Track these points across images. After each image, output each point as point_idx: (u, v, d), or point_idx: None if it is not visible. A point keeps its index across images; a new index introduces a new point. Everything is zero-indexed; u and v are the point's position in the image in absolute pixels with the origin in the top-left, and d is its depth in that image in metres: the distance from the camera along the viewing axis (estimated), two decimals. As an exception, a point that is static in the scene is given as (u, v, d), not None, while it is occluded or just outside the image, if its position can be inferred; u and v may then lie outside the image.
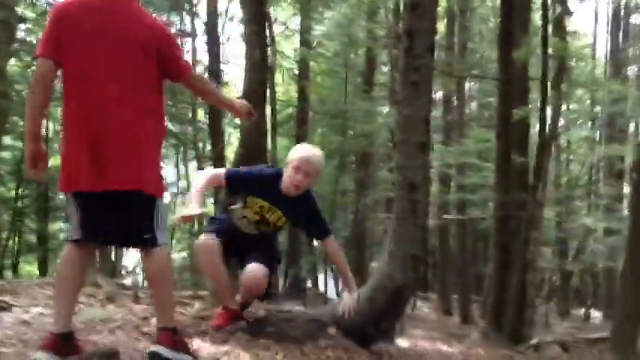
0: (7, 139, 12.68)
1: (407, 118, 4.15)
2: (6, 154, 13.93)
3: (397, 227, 3.95)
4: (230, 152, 17.45)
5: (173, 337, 2.61)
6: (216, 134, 14.04)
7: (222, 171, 3.42)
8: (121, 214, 2.51)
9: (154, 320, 3.25)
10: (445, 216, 12.55)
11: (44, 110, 2.48)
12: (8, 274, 14.28)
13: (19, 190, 15.02)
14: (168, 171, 20.19)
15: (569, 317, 16.52)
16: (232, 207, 3.51)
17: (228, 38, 15.94)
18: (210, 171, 3.45)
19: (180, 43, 2.81)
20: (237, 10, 15.05)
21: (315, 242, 3.77)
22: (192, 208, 2.99)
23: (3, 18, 8.11)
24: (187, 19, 14.80)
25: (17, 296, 4.01)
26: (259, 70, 5.95)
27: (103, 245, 2.75)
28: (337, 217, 15.28)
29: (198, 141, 15.00)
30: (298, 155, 3.28)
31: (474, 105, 19.41)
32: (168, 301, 2.65)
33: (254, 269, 3.34)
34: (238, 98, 3.39)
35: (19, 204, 15.14)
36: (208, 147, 15.66)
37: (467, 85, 16.93)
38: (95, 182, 2.44)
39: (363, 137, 14.04)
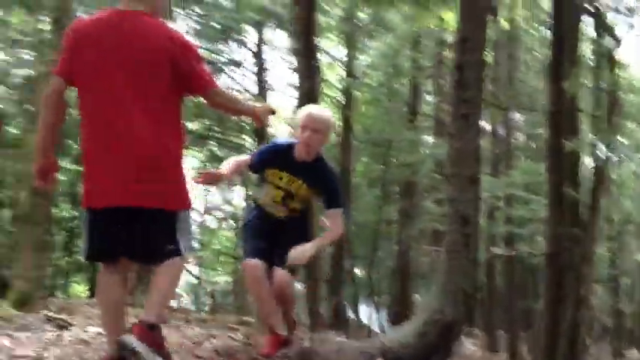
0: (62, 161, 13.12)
1: (458, 151, 4.15)
2: (60, 176, 14.41)
3: (448, 261, 3.92)
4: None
5: (152, 334, 2.40)
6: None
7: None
8: (140, 230, 2.46)
9: (207, 344, 3.29)
10: (494, 250, 12.31)
11: (56, 126, 2.48)
12: (59, 293, 14.65)
13: (73, 211, 15.48)
14: (213, 195, 20.54)
15: (623, 359, 15.87)
16: (258, 197, 3.57)
17: (274, 67, 16.25)
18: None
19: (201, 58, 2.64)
20: (282, 39, 15.35)
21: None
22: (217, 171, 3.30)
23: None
24: (236, 48, 15.14)
25: (73, 315, 4.13)
26: (309, 100, 6.04)
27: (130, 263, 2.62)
28: (380, 247, 15.19)
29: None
30: (303, 115, 3.29)
31: (520, 136, 19.13)
32: (163, 299, 2.53)
33: (279, 277, 3.35)
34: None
35: (72, 224, 15.59)
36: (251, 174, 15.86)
37: (513, 116, 16.72)
38: (113, 198, 2.41)
39: (407, 167, 13.99)
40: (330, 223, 3.36)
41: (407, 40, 13.43)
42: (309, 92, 6.08)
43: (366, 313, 15.86)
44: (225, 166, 3.40)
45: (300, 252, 3.19)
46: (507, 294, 13.94)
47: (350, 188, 15.02)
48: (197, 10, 14.00)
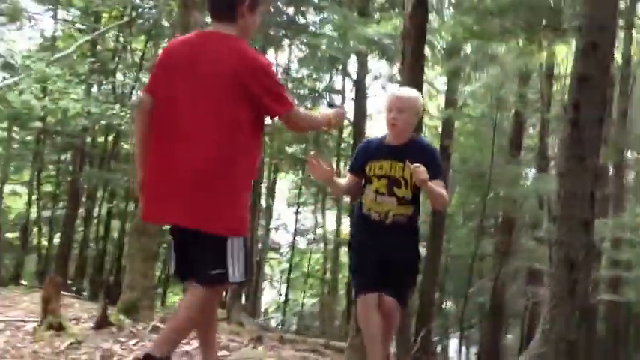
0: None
1: (569, 193, 4.01)
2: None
3: (552, 307, 3.78)
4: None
5: None
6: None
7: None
8: (194, 250, 2.45)
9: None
10: (599, 295, 11.63)
11: (146, 141, 2.51)
12: (157, 304, 15.36)
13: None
14: (305, 217, 20.86)
15: None
16: (362, 196, 3.30)
17: (374, 95, 16.41)
18: None
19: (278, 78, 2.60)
20: (383, 68, 15.46)
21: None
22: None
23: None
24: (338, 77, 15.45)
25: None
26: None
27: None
28: (473, 283, 14.76)
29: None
30: (387, 96, 3.26)
31: (631, 176, 18.04)
32: (174, 334, 2.43)
33: (387, 305, 3.16)
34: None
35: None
36: (347, 198, 16.02)
37: (625, 155, 15.83)
38: (159, 215, 2.45)
39: (507, 201, 13.57)
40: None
41: (513, 73, 13.13)
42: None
43: (455, 348, 15.41)
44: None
45: (423, 171, 2.95)
46: (611, 341, 13.08)
47: (444, 219, 14.78)
48: (303, 39, 14.52)
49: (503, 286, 13.61)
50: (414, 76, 6.23)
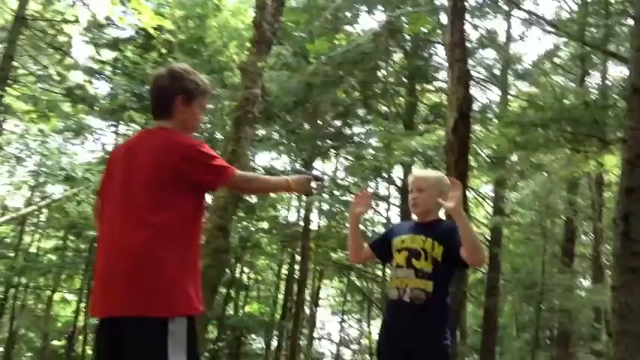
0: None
1: (625, 306, 3.88)
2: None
3: None
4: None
5: None
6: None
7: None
8: (127, 345, 2.25)
9: None
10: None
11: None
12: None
13: (218, 334, 16.16)
14: (350, 326, 20.36)
15: None
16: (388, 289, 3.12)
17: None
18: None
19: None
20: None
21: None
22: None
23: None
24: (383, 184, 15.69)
25: None
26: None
27: None
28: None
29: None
30: (408, 179, 3.21)
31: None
32: None
33: None
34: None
35: (215, 346, 16.20)
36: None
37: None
38: (100, 308, 2.34)
39: (561, 313, 13.00)
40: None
41: (561, 181, 13.08)
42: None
43: None
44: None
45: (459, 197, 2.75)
46: None
47: (496, 329, 14.18)
48: (349, 149, 14.98)
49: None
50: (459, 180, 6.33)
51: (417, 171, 3.38)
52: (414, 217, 3.11)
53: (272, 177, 2.70)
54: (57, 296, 15.29)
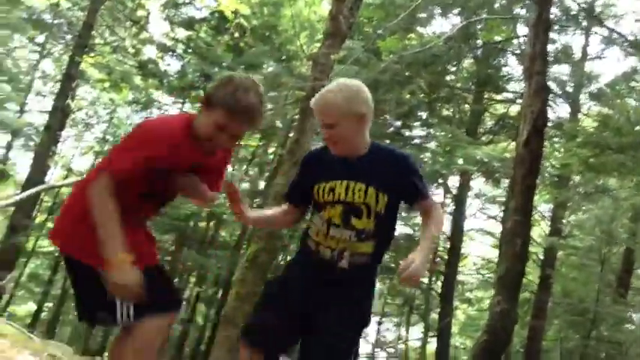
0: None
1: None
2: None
3: None
4: (456, 326, 16.97)
5: None
6: (447, 303, 13.89)
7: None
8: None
9: None
10: None
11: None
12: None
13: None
14: (387, 328, 20.22)
15: None
16: (308, 224, 2.47)
17: (474, 214, 16.17)
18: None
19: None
20: (485, 188, 15.31)
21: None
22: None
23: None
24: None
25: None
26: (519, 260, 5.87)
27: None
28: None
29: (430, 309, 14.89)
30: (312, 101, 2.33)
31: None
32: None
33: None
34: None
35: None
36: (435, 315, 15.44)
37: None
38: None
39: (611, 344, 12.51)
40: (425, 217, 2.33)
41: (626, 208, 12.56)
42: (520, 251, 5.91)
43: None
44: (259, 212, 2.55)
45: (413, 268, 2.08)
46: None
47: (539, 352, 13.78)
48: (408, 150, 14.77)
49: None
50: (523, 203, 6.14)
51: (317, 99, 2.32)
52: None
53: (115, 230, 2.13)
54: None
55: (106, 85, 13.24)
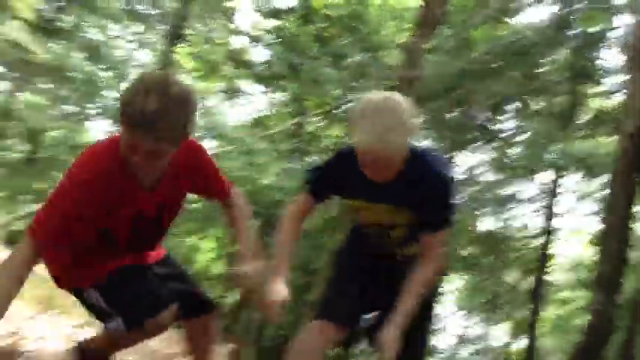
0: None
1: None
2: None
3: None
4: (545, 326, 16.29)
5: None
6: (537, 301, 13.42)
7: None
8: None
9: None
10: None
11: None
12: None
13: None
14: (471, 325, 19.77)
15: None
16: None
17: (567, 211, 15.50)
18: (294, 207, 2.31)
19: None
20: (578, 184, 14.61)
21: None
22: (277, 289, 2.04)
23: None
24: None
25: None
26: (617, 261, 5.58)
27: None
28: None
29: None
30: (362, 136, 1.88)
31: None
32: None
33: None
34: None
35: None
36: (522, 313, 14.96)
37: None
38: None
39: None
40: (422, 257, 2.12)
41: None
42: (616, 255, 5.62)
43: None
44: (283, 241, 2.22)
45: (386, 344, 1.98)
46: None
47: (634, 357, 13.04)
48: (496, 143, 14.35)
49: None
50: (625, 195, 5.82)
51: (377, 141, 1.85)
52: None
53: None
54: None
55: (199, 74, 13.71)
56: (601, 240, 6.10)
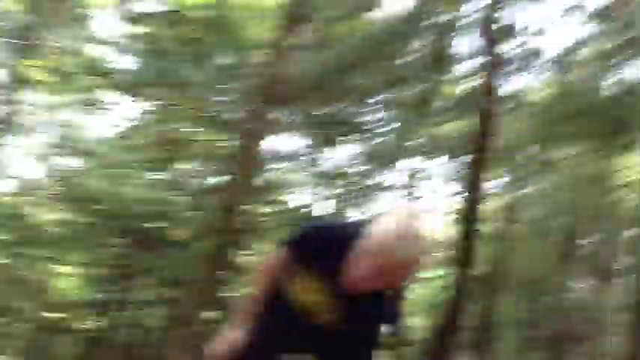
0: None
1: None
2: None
3: None
4: None
5: None
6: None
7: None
8: None
9: None
10: None
11: None
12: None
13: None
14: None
15: None
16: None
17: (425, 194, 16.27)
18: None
19: None
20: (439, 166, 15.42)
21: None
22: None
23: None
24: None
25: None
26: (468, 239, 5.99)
27: None
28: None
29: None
30: (378, 250, 1.69)
31: None
32: None
33: None
34: None
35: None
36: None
37: None
38: None
39: (557, 311, 12.99)
40: None
41: (571, 179, 13.01)
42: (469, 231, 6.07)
43: None
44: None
45: None
46: None
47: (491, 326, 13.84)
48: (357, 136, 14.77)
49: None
50: (473, 178, 6.32)
51: (403, 260, 1.67)
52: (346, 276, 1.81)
53: None
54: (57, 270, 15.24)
55: (50, 87, 12.84)
56: (458, 219, 6.55)
